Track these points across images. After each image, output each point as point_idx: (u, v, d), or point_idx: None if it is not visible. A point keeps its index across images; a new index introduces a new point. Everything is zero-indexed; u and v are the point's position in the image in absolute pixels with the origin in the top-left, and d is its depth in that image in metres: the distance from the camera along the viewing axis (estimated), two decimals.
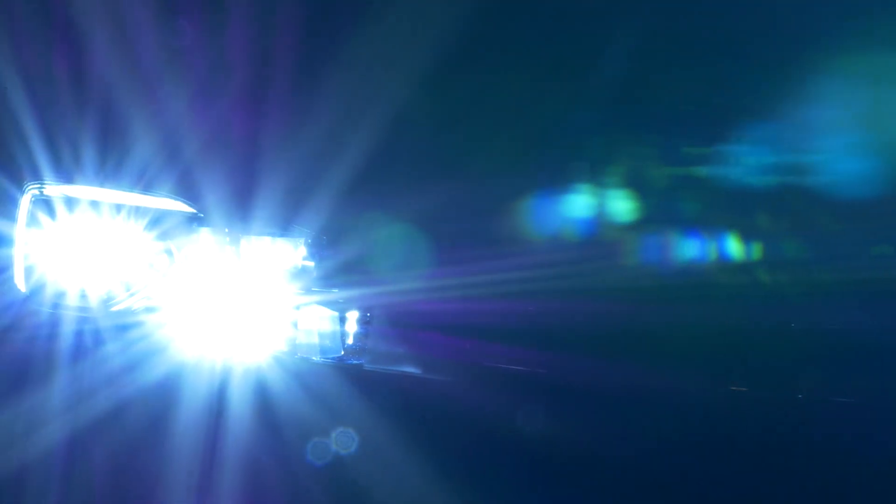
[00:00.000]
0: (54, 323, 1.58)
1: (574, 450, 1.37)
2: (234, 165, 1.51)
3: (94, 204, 1.58)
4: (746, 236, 1.43)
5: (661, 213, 1.47)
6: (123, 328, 1.57)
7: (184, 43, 1.53)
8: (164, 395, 1.53)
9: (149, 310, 1.57)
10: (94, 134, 1.55)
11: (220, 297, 1.57)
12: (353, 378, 1.48)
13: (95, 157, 1.57)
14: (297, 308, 1.54)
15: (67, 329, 1.58)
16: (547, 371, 1.41)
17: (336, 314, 1.50)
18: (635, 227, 1.44)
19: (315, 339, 1.51)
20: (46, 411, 1.58)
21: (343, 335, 1.48)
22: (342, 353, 1.48)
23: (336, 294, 1.47)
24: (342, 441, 1.49)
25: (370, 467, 1.44)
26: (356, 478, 1.43)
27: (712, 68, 1.49)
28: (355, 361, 1.52)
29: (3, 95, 1.52)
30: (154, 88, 1.53)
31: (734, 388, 1.37)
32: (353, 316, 1.49)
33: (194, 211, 1.54)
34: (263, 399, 1.51)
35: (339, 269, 1.50)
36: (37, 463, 1.54)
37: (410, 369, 1.49)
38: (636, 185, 1.48)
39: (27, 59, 1.49)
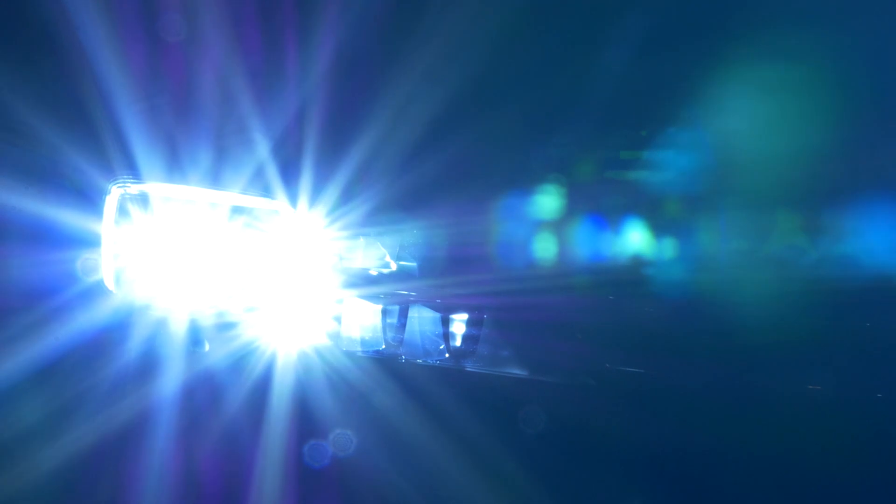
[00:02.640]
0: (145, 323, 1.56)
1: (687, 451, 1.34)
2: (330, 164, 1.46)
3: (182, 202, 1.54)
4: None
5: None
6: (216, 326, 1.55)
7: (277, 42, 1.47)
8: (262, 390, 1.51)
9: (241, 307, 1.54)
10: (182, 133, 1.50)
11: (312, 294, 1.54)
12: (456, 380, 1.45)
13: (183, 156, 1.52)
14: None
15: (158, 329, 1.56)
16: (659, 373, 1.37)
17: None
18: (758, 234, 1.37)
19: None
20: (140, 410, 1.57)
21: (450, 336, 1.45)
22: (446, 353, 1.45)
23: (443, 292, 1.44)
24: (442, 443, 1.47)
25: (478, 469, 1.42)
26: (466, 478, 1.41)
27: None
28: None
29: (90, 94, 1.46)
30: (245, 88, 1.47)
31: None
32: (460, 318, 1.45)
33: (286, 208, 1.50)
34: (362, 397, 1.49)
35: (439, 268, 1.46)
36: (136, 460, 1.53)
37: (517, 371, 1.46)
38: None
39: (121, 57, 1.44)
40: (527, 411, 1.41)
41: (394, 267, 1.47)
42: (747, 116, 1.35)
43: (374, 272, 1.48)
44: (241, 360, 1.51)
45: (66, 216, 1.55)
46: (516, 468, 1.37)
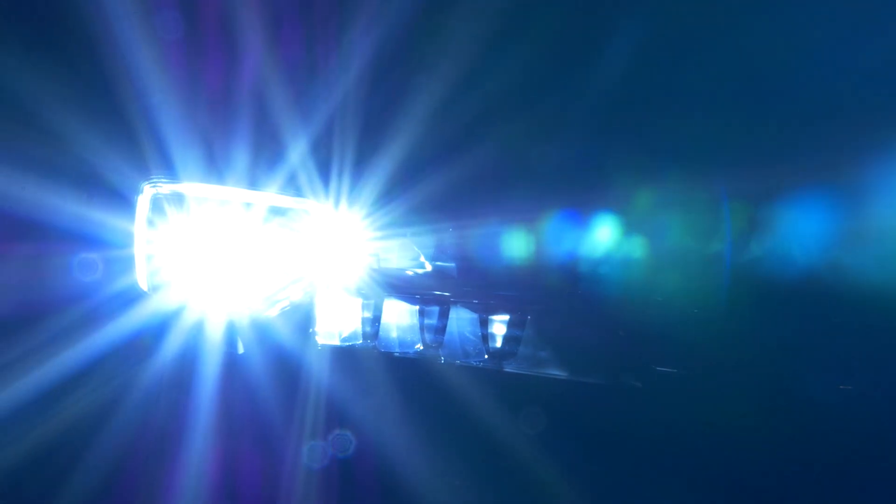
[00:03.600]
0: (179, 324, 1.54)
1: (737, 458, 1.33)
2: (367, 164, 1.45)
3: (217, 202, 1.52)
4: None
5: None
6: (251, 327, 1.54)
7: (313, 43, 1.45)
8: (298, 390, 1.50)
9: (277, 308, 1.53)
10: (217, 132, 1.48)
11: (349, 295, 1.52)
12: (495, 381, 1.44)
13: (218, 156, 1.50)
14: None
15: (193, 330, 1.55)
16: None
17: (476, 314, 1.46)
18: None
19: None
20: (177, 411, 1.56)
21: (489, 338, 1.44)
22: (485, 355, 1.44)
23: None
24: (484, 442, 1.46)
25: (514, 472, 1.41)
26: (505, 480, 1.41)
27: None
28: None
29: (123, 93, 1.44)
30: (282, 87, 1.45)
31: None
32: (499, 318, 1.44)
33: (322, 208, 1.48)
34: (399, 397, 1.48)
35: (478, 269, 1.45)
36: (175, 462, 1.52)
37: (556, 373, 1.45)
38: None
39: (158, 59, 1.41)
40: (568, 413, 1.40)
41: (430, 268, 1.46)
42: None
43: (411, 272, 1.46)
44: (277, 361, 1.50)
45: (100, 216, 1.53)
46: (556, 472, 1.36)
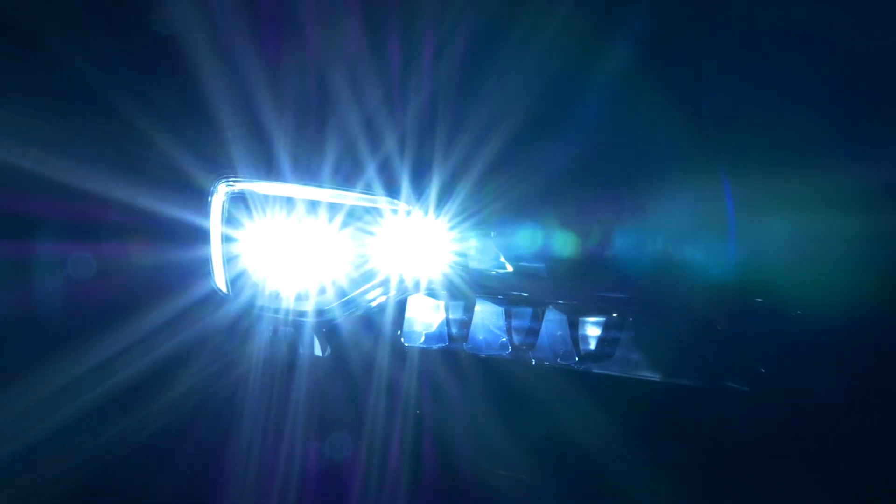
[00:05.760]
0: (259, 325, 1.52)
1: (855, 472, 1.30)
2: (453, 162, 1.39)
3: (293, 201, 1.48)
4: None
5: None
6: (330, 329, 1.51)
7: (400, 39, 1.39)
8: (385, 394, 1.48)
9: (359, 310, 1.49)
10: (296, 129, 1.43)
11: (434, 296, 1.49)
12: (587, 384, 1.42)
13: (291, 154, 1.45)
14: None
15: (272, 332, 1.52)
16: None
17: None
18: None
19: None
20: (254, 415, 1.55)
21: (580, 339, 1.41)
22: (576, 357, 1.41)
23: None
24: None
25: (607, 480, 1.39)
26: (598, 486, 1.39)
27: None
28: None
29: (199, 88, 1.39)
30: (362, 85, 1.40)
31: None
32: (591, 319, 1.41)
33: (408, 208, 1.43)
34: (488, 401, 1.45)
35: (570, 269, 1.41)
36: (259, 468, 1.52)
37: (649, 375, 1.42)
38: None
39: (228, 54, 1.36)
40: (662, 418, 1.38)
41: (519, 268, 1.42)
42: None
43: (500, 273, 1.42)
44: (361, 364, 1.48)
45: (174, 215, 1.49)
46: (649, 481, 1.35)
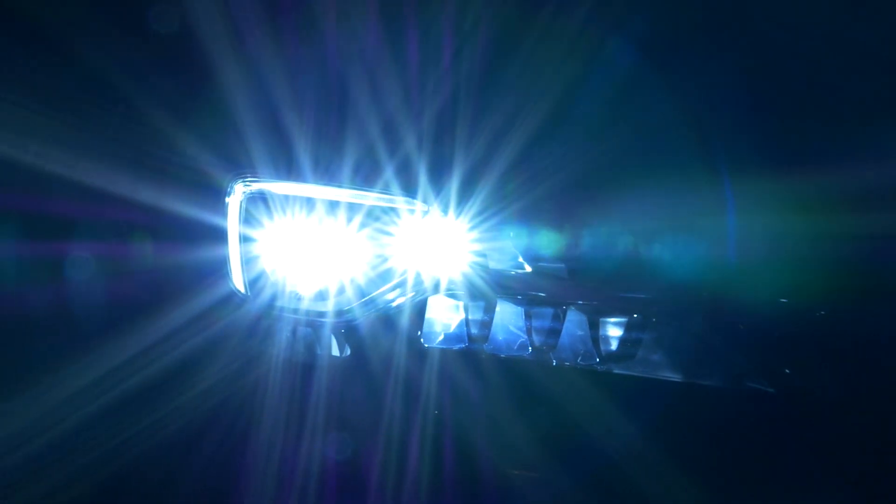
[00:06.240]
0: (278, 326, 1.51)
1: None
2: (474, 162, 1.38)
3: (311, 201, 1.47)
4: None
5: None
6: (349, 329, 1.50)
7: (419, 38, 1.38)
8: (404, 395, 1.47)
9: (378, 310, 1.49)
10: (308, 129, 1.42)
11: (454, 296, 1.48)
12: (605, 384, 1.41)
13: (309, 154, 1.44)
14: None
15: (291, 332, 1.52)
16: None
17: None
18: None
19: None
20: (273, 416, 1.54)
21: (602, 339, 1.40)
22: (597, 357, 1.40)
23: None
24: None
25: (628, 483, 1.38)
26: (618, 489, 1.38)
27: None
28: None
29: (217, 87, 1.38)
30: (381, 84, 1.38)
31: None
32: (613, 320, 1.39)
33: (427, 208, 1.42)
34: (509, 402, 1.45)
35: (591, 269, 1.39)
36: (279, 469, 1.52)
37: (670, 376, 1.40)
38: None
39: (246, 53, 1.35)
40: (684, 419, 1.36)
41: (540, 269, 1.41)
42: None
43: (520, 273, 1.41)
44: (380, 364, 1.47)
45: (192, 215, 1.49)
46: (670, 482, 1.33)
